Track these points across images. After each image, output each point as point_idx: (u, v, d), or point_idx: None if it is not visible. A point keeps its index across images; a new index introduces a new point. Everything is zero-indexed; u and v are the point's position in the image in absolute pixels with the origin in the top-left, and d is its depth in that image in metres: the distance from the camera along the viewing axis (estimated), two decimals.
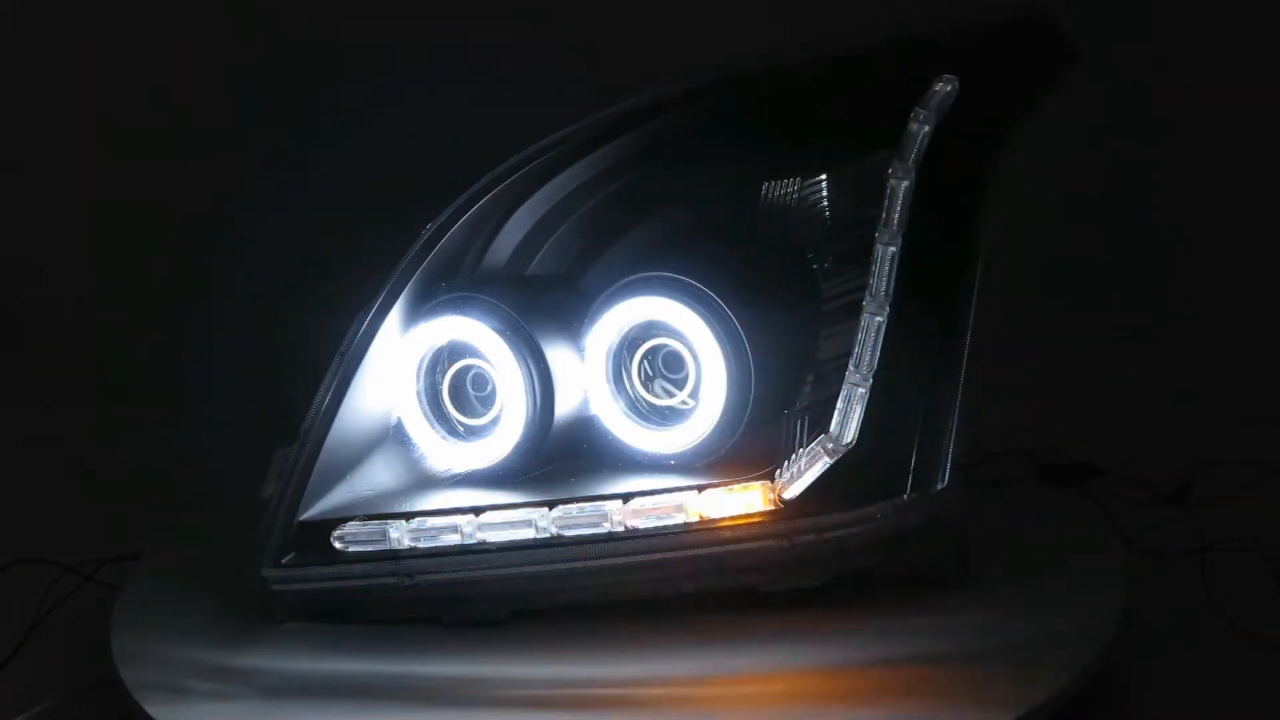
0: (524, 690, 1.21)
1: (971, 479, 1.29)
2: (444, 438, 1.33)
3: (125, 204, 2.15)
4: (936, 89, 1.19)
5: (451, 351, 1.32)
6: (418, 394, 1.33)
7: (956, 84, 1.19)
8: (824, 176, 1.31)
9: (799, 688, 1.18)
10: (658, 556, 1.23)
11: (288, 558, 1.30)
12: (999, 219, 1.24)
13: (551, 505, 1.25)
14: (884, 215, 1.19)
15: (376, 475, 1.33)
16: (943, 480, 1.21)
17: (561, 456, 1.32)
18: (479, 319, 1.29)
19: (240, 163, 2.14)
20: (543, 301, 1.32)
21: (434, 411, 1.33)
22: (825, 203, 1.31)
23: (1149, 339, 1.91)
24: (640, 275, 1.27)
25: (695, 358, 1.27)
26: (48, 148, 2.18)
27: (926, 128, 1.18)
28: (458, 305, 1.30)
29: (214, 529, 1.47)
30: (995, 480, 1.52)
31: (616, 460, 1.30)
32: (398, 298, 1.30)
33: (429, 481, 1.33)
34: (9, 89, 2.19)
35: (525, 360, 1.29)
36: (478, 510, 1.27)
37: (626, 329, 1.29)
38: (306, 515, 1.29)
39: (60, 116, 2.19)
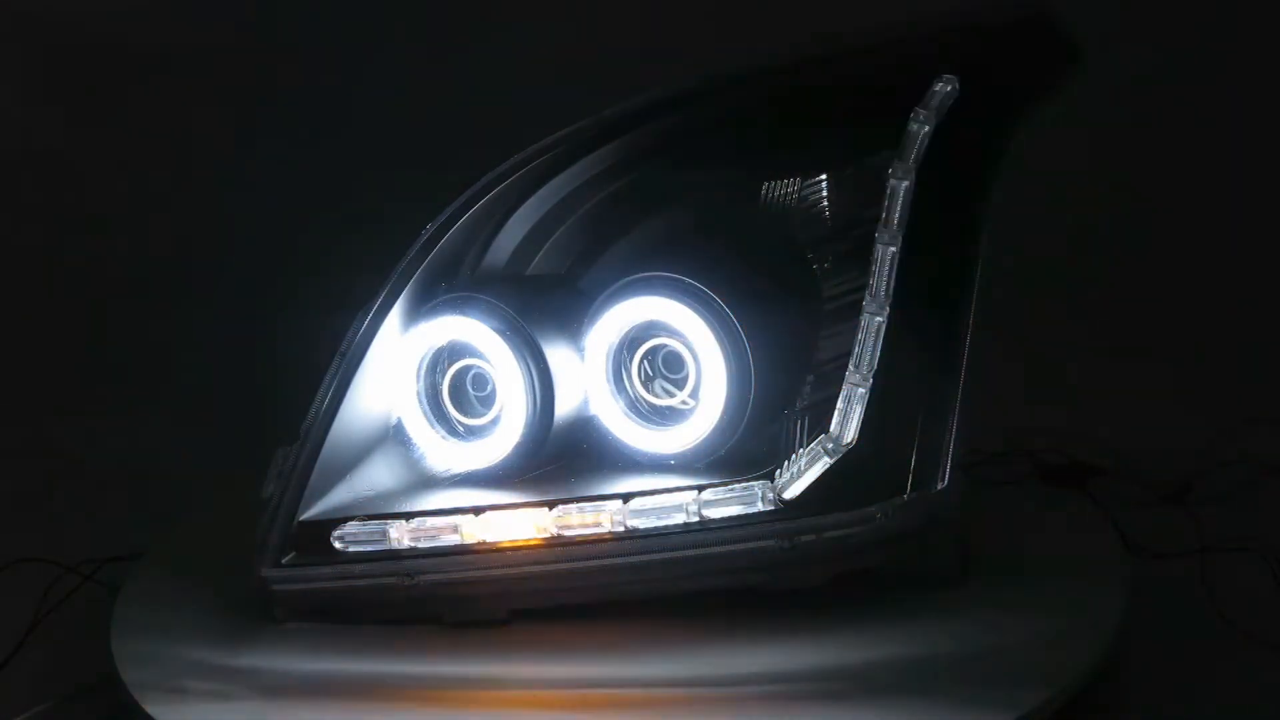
0: (524, 690, 1.21)
1: (971, 479, 1.29)
2: (444, 438, 1.33)
3: (124, 203, 2.15)
4: (936, 89, 1.19)
5: (451, 351, 1.32)
6: (418, 394, 1.32)
7: (956, 84, 1.19)
8: (824, 176, 1.30)
9: (799, 688, 1.18)
10: (658, 556, 1.23)
11: (288, 558, 1.29)
12: (998, 218, 1.24)
13: (551, 505, 1.25)
14: (884, 215, 1.19)
15: (376, 475, 1.33)
16: (943, 480, 1.21)
17: (561, 456, 1.32)
18: (479, 319, 1.29)
19: (241, 162, 2.14)
20: (543, 301, 1.32)
21: (434, 411, 1.33)
22: (825, 203, 1.31)
23: (1149, 339, 1.91)
24: (640, 275, 1.27)
25: (695, 358, 1.27)
26: (46, 148, 2.17)
27: (926, 128, 1.18)
28: (458, 305, 1.30)
29: (214, 529, 1.47)
30: (995, 480, 1.52)
31: (616, 460, 1.30)
32: (398, 298, 1.30)
33: (429, 481, 1.33)
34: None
35: (525, 360, 1.29)
36: (478, 510, 1.27)
37: (626, 329, 1.29)
38: (306, 515, 1.29)
39: (58, 116, 2.19)
